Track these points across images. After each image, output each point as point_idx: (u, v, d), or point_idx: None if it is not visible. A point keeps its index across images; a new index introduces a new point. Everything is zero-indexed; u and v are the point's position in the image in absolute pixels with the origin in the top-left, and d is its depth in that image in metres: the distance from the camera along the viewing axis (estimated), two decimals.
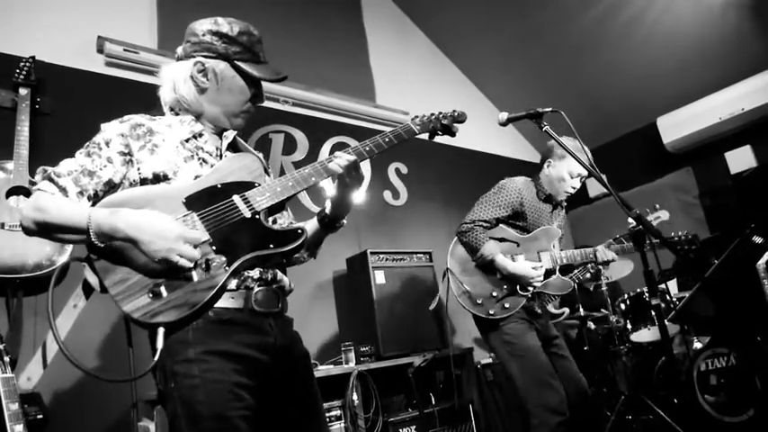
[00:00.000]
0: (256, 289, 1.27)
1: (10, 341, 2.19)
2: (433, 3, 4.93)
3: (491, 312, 2.52)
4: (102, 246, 1.15)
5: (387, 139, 1.46)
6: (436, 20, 5.08)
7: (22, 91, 2.62)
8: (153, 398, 2.39)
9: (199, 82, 1.37)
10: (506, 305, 2.54)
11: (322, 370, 2.95)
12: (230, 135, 1.44)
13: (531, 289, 2.56)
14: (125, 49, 3.18)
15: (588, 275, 2.97)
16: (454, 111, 1.64)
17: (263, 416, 1.23)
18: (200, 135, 1.38)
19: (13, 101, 2.63)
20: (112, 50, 3.14)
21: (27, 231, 1.21)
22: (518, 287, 2.55)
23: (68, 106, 2.89)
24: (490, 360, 3.78)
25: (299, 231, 1.29)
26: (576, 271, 2.90)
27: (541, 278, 2.56)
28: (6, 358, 1.77)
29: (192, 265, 1.17)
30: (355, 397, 2.89)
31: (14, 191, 2.43)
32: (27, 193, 2.45)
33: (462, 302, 2.60)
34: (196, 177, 1.30)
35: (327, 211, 1.48)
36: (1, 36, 2.80)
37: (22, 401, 1.77)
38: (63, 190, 1.22)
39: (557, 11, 4.46)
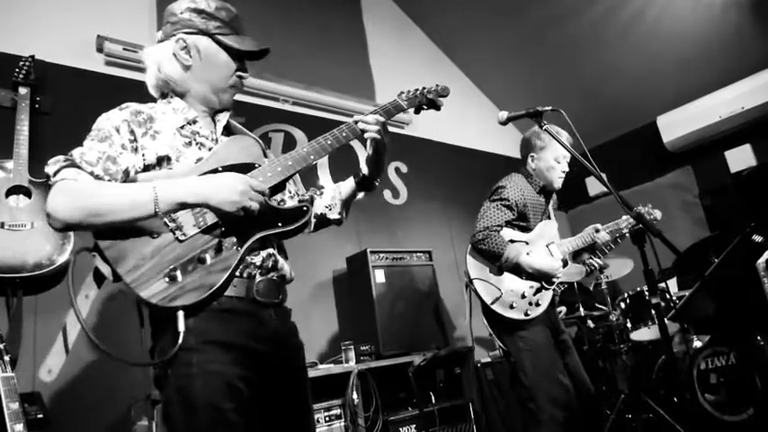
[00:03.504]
0: (258, 278, 1.28)
1: (10, 340, 2.19)
2: (432, 2, 4.93)
3: (529, 313, 2.51)
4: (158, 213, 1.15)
5: (377, 115, 1.50)
6: (436, 19, 5.08)
7: (22, 90, 2.61)
8: (153, 397, 2.39)
9: (182, 59, 1.36)
10: (539, 302, 2.55)
11: (322, 369, 2.95)
12: (223, 118, 1.43)
13: (555, 281, 2.59)
14: (125, 48, 3.17)
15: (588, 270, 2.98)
16: (437, 85, 1.68)
17: (258, 407, 1.23)
18: (195, 121, 1.37)
19: (12, 100, 2.62)
20: (112, 49, 3.14)
21: (65, 226, 1.12)
22: (543, 283, 2.56)
23: (68, 105, 2.88)
24: (490, 359, 3.78)
25: (305, 209, 1.33)
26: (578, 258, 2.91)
27: (562, 269, 2.59)
28: (6, 357, 1.78)
29: (259, 207, 1.22)
30: (355, 396, 2.89)
31: (14, 190, 2.43)
32: (27, 192, 2.45)
33: (497, 309, 2.52)
34: (197, 161, 1.31)
35: (365, 172, 1.55)
36: (1, 35, 2.80)
37: (22, 400, 1.77)
38: (98, 179, 1.17)
39: (557, 10, 4.45)
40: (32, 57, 2.69)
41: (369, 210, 4.10)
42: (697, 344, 3.25)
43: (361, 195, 1.61)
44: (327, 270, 3.72)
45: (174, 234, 1.20)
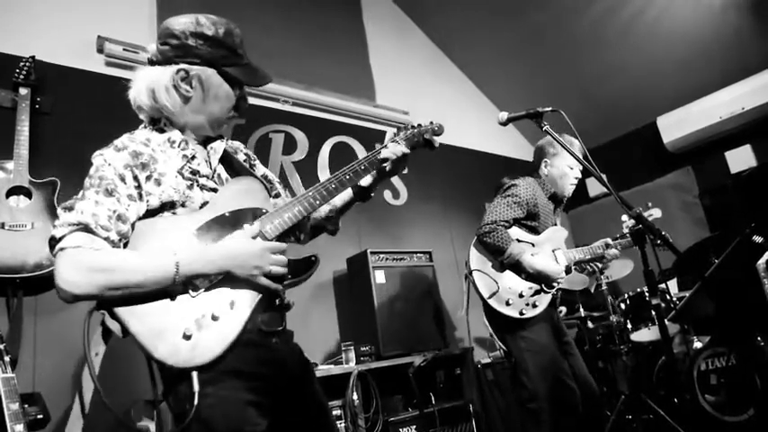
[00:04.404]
0: (263, 311, 1.27)
1: (10, 341, 2.19)
2: (432, 2, 4.94)
3: (523, 312, 2.51)
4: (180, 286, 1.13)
5: (378, 157, 1.52)
6: (436, 19, 5.08)
7: (22, 91, 2.61)
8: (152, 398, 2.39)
9: (183, 91, 1.28)
10: (536, 304, 2.55)
11: (322, 370, 2.95)
12: (219, 148, 1.37)
13: (555, 286, 2.59)
14: (125, 49, 3.18)
15: (589, 271, 2.99)
16: (431, 122, 1.68)
17: (276, 428, 1.23)
18: (193, 157, 1.30)
19: (12, 100, 2.63)
20: (112, 50, 3.14)
21: (77, 299, 1.07)
22: (543, 285, 2.57)
23: (68, 106, 2.89)
24: (490, 360, 3.78)
25: (313, 259, 1.32)
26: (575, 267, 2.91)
27: (564, 275, 2.60)
28: (6, 358, 1.77)
29: (285, 271, 1.24)
30: (355, 397, 2.89)
31: (15, 191, 2.43)
32: (27, 193, 2.45)
33: (493, 304, 2.53)
34: (202, 206, 1.26)
35: (365, 185, 1.55)
36: (1, 36, 2.80)
37: (23, 401, 1.77)
38: (113, 244, 1.13)
39: (557, 10, 4.45)
40: (33, 57, 2.69)
41: (369, 210, 4.10)
42: (697, 345, 3.25)
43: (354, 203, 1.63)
44: (328, 271, 3.72)
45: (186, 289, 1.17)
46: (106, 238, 1.12)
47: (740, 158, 4.40)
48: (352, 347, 3.12)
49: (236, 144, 1.56)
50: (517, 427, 3.38)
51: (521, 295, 2.54)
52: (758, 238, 2.58)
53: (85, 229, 1.10)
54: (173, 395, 1.17)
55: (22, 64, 2.65)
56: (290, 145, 3.83)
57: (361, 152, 4.17)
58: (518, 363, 2.49)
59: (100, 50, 3.14)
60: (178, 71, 1.27)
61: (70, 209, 1.13)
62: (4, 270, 2.29)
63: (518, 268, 2.55)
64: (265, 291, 1.24)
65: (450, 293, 3.93)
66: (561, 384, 2.41)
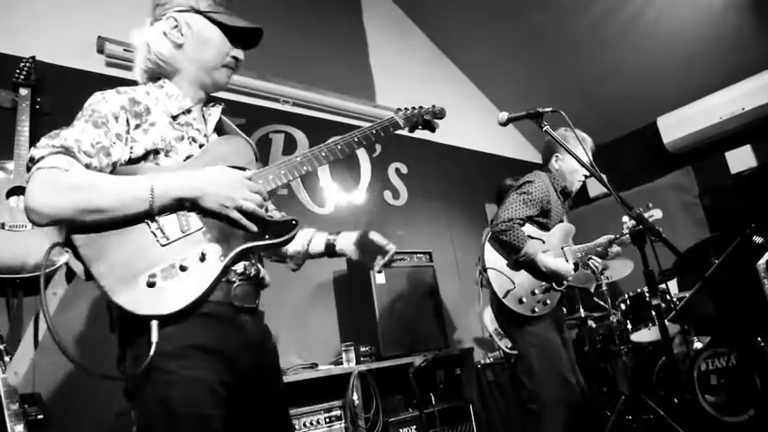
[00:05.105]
0: (237, 283, 1.22)
1: (10, 341, 2.19)
2: (433, 2, 4.94)
3: (536, 310, 2.52)
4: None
5: (374, 131, 1.52)
6: (436, 19, 5.08)
7: (23, 91, 2.61)
8: None
9: (174, 38, 1.32)
10: (547, 301, 2.56)
11: (322, 370, 2.95)
12: (215, 113, 1.39)
13: (564, 283, 2.61)
14: (125, 49, 3.17)
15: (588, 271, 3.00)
16: (434, 106, 1.68)
17: (235, 412, 1.18)
18: (189, 111, 1.32)
19: (13, 101, 2.62)
20: (113, 50, 3.14)
21: (51, 222, 1.03)
22: (553, 284, 2.58)
23: (68, 106, 2.85)
24: (490, 360, 3.78)
25: (294, 222, 1.29)
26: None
27: (573, 273, 2.62)
28: (6, 358, 1.78)
29: (261, 211, 1.21)
30: (355, 397, 2.89)
31: (15, 191, 2.43)
32: None
33: (507, 302, 2.52)
34: (186, 158, 1.25)
35: (342, 250, 1.50)
36: (1, 36, 2.80)
37: (23, 401, 1.77)
38: (89, 168, 1.10)
39: (557, 10, 4.45)
40: (33, 58, 2.69)
41: (369, 211, 4.10)
42: (697, 345, 3.25)
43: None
44: (328, 271, 3.71)
45: (156, 236, 1.11)
46: (87, 165, 1.09)
47: (740, 159, 4.40)
48: (352, 347, 3.12)
49: None
50: (517, 427, 3.38)
51: (533, 293, 2.55)
52: (758, 239, 2.58)
53: (66, 152, 1.08)
54: (129, 347, 1.12)
55: (22, 64, 2.64)
56: (290, 145, 3.83)
57: (360, 152, 4.18)
58: (523, 357, 2.50)
59: (100, 51, 3.13)
60: (168, 19, 1.34)
61: (55, 136, 1.11)
62: (4, 270, 2.28)
63: (532, 266, 2.55)
64: (240, 251, 1.19)
65: (450, 293, 3.93)
66: (565, 382, 2.42)
